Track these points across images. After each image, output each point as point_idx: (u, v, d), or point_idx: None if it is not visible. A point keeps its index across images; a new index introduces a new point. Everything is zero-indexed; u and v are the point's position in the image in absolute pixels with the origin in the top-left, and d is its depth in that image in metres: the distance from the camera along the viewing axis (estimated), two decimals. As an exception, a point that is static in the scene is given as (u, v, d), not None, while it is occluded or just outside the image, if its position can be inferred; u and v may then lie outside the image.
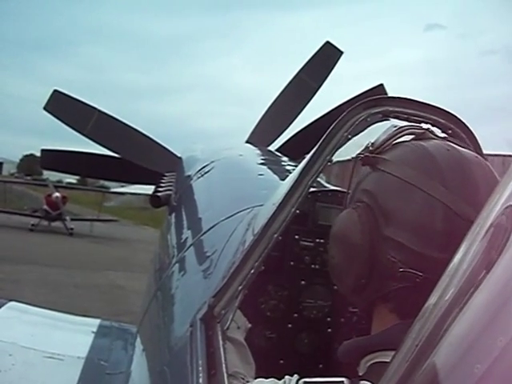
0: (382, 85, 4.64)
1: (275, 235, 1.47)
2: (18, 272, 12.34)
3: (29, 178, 48.70)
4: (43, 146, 5.34)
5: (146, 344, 2.29)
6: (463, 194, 0.98)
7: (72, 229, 23.39)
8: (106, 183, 27.72)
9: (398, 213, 1.00)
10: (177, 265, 2.35)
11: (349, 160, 1.17)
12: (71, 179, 42.20)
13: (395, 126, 1.13)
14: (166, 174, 4.09)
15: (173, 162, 4.33)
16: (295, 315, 2.09)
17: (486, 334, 0.60)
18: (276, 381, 1.07)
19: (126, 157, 4.62)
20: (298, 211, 1.50)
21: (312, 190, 1.77)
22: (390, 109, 1.36)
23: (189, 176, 3.44)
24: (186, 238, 2.56)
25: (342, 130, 1.42)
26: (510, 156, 8.14)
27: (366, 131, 1.40)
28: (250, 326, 1.67)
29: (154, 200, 3.70)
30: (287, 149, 4.39)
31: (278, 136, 4.75)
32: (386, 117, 1.37)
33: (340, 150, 1.44)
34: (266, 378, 1.13)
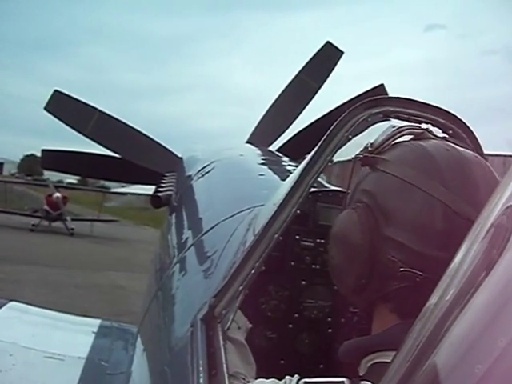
0: (382, 85, 4.64)
1: (276, 235, 1.47)
2: (18, 272, 12.34)
3: (29, 178, 48.76)
4: (44, 147, 5.35)
5: (147, 344, 2.29)
6: (463, 194, 0.98)
7: (72, 229, 23.40)
8: (107, 183, 27.73)
9: (398, 212, 1.00)
10: (177, 265, 2.35)
11: (349, 160, 1.17)
12: (72, 179, 42.24)
13: (394, 127, 1.14)
14: (167, 174, 4.09)
15: (173, 162, 4.33)
16: (296, 315, 2.09)
17: (486, 334, 0.60)
18: (277, 381, 1.07)
19: (127, 157, 4.62)
20: (298, 211, 1.50)
21: (313, 190, 1.77)
22: (391, 109, 1.36)
23: (189, 176, 3.44)
24: (187, 238, 2.55)
25: (343, 130, 1.42)
26: (510, 156, 8.14)
27: (366, 131, 1.40)
28: (250, 326, 1.67)
29: (155, 200, 3.70)
30: (288, 149, 4.39)
31: (279, 136, 4.75)
32: (386, 117, 1.37)
33: (341, 150, 1.44)
34: (267, 378, 1.13)
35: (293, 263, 2.09)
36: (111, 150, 4.67)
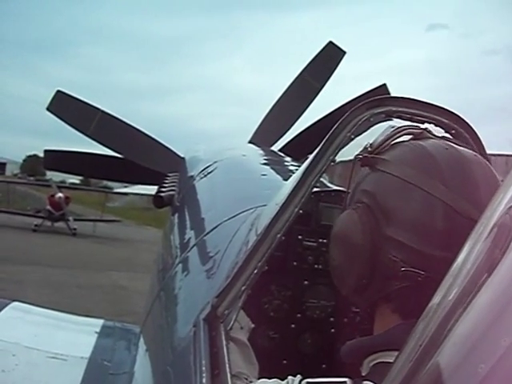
0: (384, 85, 4.64)
1: (278, 235, 1.47)
2: (21, 272, 12.38)
3: (32, 178, 48.82)
4: (46, 147, 5.35)
5: (149, 344, 2.29)
6: (463, 192, 0.98)
7: (75, 229, 23.44)
8: (109, 183, 27.81)
9: (399, 212, 1.00)
10: (180, 265, 2.36)
11: (352, 160, 1.17)
12: (74, 180, 42.32)
13: (393, 127, 1.14)
14: (169, 175, 4.09)
15: (176, 162, 4.33)
16: (298, 315, 2.09)
17: (489, 333, 0.60)
18: (279, 381, 1.07)
19: (129, 157, 4.62)
20: (301, 211, 1.50)
21: (315, 190, 1.77)
22: (393, 109, 1.36)
23: (192, 176, 3.44)
24: (189, 238, 2.56)
25: (345, 130, 1.41)
26: (512, 156, 8.12)
27: (368, 131, 1.40)
28: (253, 326, 1.67)
29: (157, 200, 3.71)
30: (290, 149, 4.39)
31: (281, 136, 4.75)
32: (389, 117, 1.37)
33: (343, 150, 1.44)
34: (269, 378, 1.13)
35: (295, 263, 2.08)
36: (114, 150, 4.67)
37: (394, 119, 1.36)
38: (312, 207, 2.09)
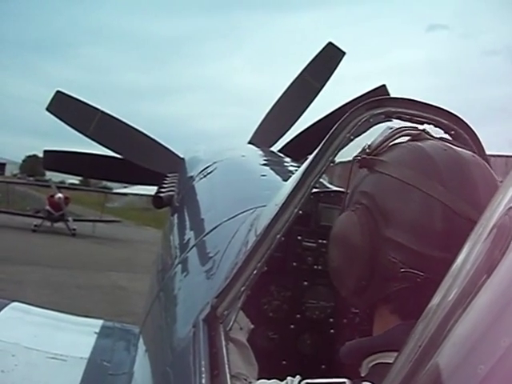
0: (384, 85, 4.64)
1: (278, 236, 1.47)
2: (20, 273, 12.37)
3: (31, 178, 48.78)
4: (46, 147, 5.35)
5: (149, 345, 2.29)
6: (462, 193, 0.98)
7: (74, 229, 23.44)
8: (109, 184, 27.80)
9: (397, 213, 1.00)
10: (179, 266, 2.35)
11: (351, 161, 1.17)
12: (74, 180, 42.32)
13: (391, 128, 1.14)
14: (169, 175, 4.09)
15: (175, 162, 4.33)
16: (298, 316, 2.09)
17: (489, 334, 0.60)
18: (278, 382, 1.07)
19: (129, 157, 4.61)
20: (300, 212, 1.50)
21: (315, 190, 1.77)
22: (393, 109, 1.36)
23: (191, 177, 3.44)
24: (189, 238, 2.55)
25: (345, 130, 1.41)
26: (512, 157, 8.13)
27: (368, 132, 1.40)
28: (252, 326, 1.67)
29: (157, 201, 3.71)
30: (290, 149, 4.39)
31: (281, 137, 4.75)
32: (388, 118, 1.37)
33: (343, 150, 1.44)
34: (269, 379, 1.13)
35: (295, 264, 2.08)
36: (113, 150, 4.66)
37: (394, 120, 1.36)
38: (311, 208, 2.09)
